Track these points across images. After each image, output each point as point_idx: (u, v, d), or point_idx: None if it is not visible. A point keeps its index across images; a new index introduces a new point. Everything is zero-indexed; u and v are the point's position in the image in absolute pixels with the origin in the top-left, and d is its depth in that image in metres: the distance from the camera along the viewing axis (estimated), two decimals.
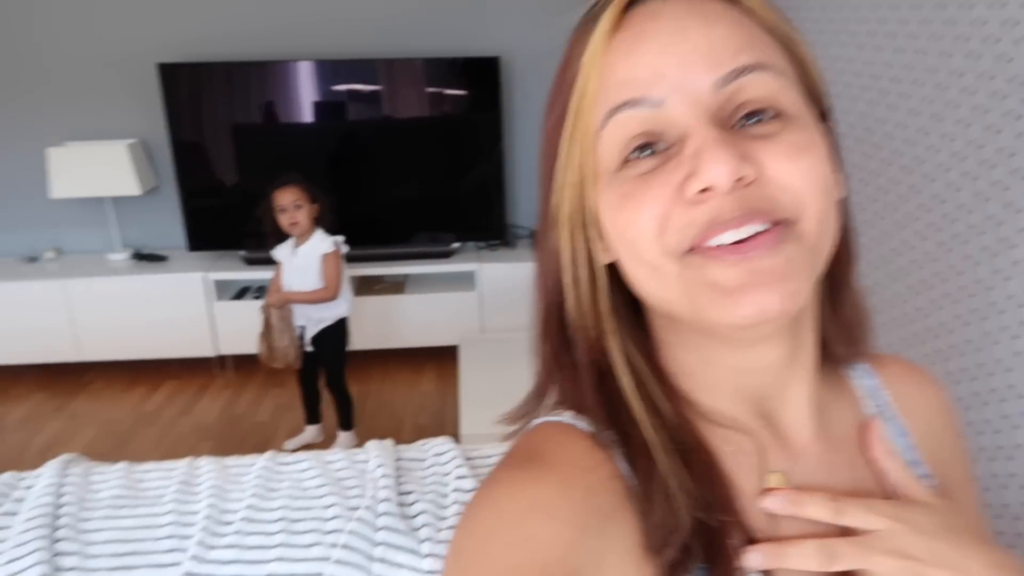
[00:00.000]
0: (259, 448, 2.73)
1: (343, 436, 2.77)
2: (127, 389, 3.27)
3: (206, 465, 1.10)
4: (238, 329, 3.26)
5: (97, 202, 3.50)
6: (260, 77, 3.30)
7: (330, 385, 2.73)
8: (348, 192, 3.41)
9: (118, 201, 3.50)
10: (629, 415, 0.51)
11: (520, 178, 3.65)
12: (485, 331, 3.41)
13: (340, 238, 2.64)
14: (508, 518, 0.46)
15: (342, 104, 3.37)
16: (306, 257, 2.57)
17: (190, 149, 3.36)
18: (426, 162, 3.46)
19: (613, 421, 0.51)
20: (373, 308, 3.37)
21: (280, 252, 2.60)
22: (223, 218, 3.41)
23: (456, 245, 3.56)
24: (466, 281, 3.45)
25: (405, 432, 2.87)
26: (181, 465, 1.10)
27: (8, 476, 1.07)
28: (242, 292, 3.43)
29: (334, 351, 2.72)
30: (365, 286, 3.49)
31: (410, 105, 3.39)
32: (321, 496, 1.02)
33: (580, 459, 0.50)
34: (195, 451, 2.71)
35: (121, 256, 3.46)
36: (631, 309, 0.55)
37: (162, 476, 1.08)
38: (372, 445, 1.12)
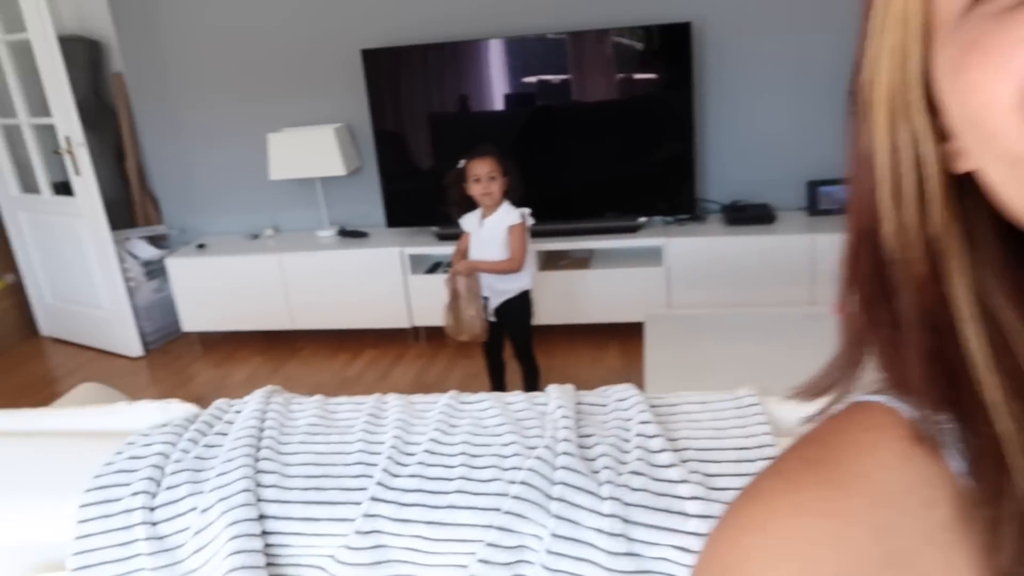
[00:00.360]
0: None
1: None
2: (332, 356, 3.52)
3: (393, 400, 1.13)
4: (431, 302, 3.39)
5: (308, 183, 3.79)
6: (453, 58, 3.41)
7: (519, 356, 2.76)
8: (535, 167, 3.43)
9: (326, 181, 3.77)
10: (977, 396, 0.35)
11: (712, 151, 3.49)
12: (672, 307, 3.30)
13: (527, 210, 2.65)
14: (774, 550, 0.36)
15: (532, 82, 3.39)
16: (493, 228, 2.60)
17: (389, 131, 3.54)
18: (614, 136, 3.40)
19: (951, 404, 0.36)
20: (558, 283, 3.37)
21: (467, 222, 2.65)
22: (419, 196, 3.56)
23: (643, 220, 3.47)
24: (653, 256, 3.36)
25: None
26: (370, 400, 1.13)
27: (221, 402, 1.16)
28: (435, 267, 3.57)
29: (519, 323, 2.75)
30: (550, 261, 3.50)
31: (600, 77, 3.34)
32: (501, 434, 1.01)
33: (889, 474, 0.36)
34: None
35: (328, 233, 3.72)
36: (993, 238, 0.36)
37: (352, 409, 1.12)
38: (553, 388, 1.10)
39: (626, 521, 0.86)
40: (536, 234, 3.38)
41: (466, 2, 3.46)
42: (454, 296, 2.62)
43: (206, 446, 1.05)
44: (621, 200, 3.47)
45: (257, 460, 1.01)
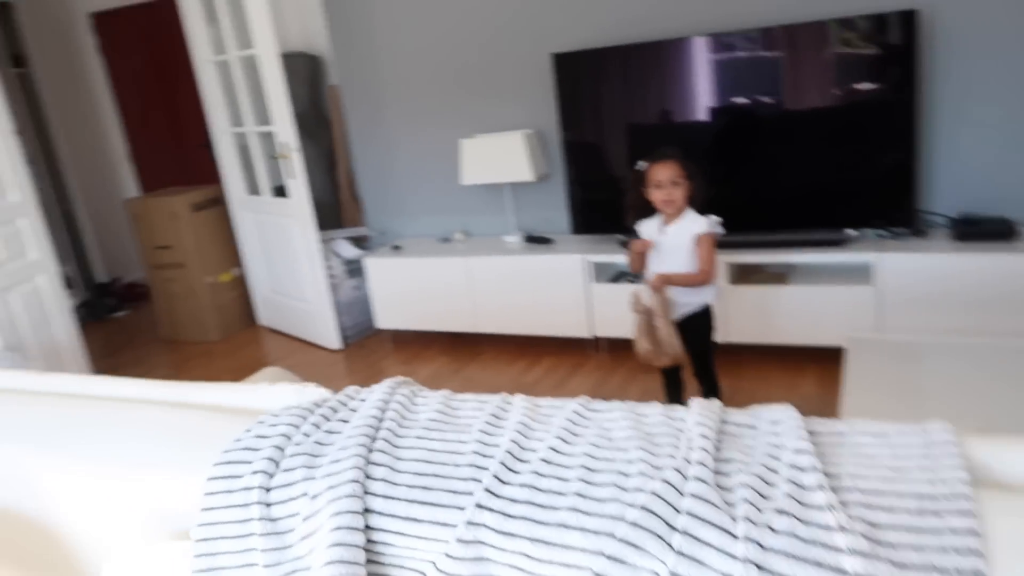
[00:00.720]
0: None
1: None
2: (512, 361, 3.51)
3: (518, 402, 1.04)
4: (613, 312, 3.28)
5: (498, 188, 3.84)
6: (648, 59, 3.28)
7: (699, 375, 2.57)
8: (732, 172, 3.21)
9: (515, 187, 3.79)
10: None
11: (941, 156, 3.06)
12: (882, 331, 2.92)
13: (716, 219, 2.47)
14: None
15: (733, 83, 3.17)
16: (677, 236, 2.44)
17: (577, 136, 3.48)
18: (825, 139, 3.09)
19: None
20: (752, 299, 3.11)
21: (646, 228, 2.51)
22: (605, 203, 3.46)
23: (852, 233, 3.12)
24: (860, 274, 3.00)
25: None
26: (495, 399, 1.06)
27: (350, 389, 1.14)
28: (618, 276, 3.45)
29: (701, 339, 2.55)
30: (743, 275, 3.25)
31: (810, 75, 3.06)
32: (627, 449, 0.89)
33: None
34: None
35: (514, 238, 3.74)
36: None
37: (476, 407, 1.05)
38: (696, 402, 0.95)
39: (762, 569, 0.71)
40: (730, 245, 3.17)
41: (660, 1, 3.32)
42: (647, 314, 2.39)
43: (327, 431, 1.03)
44: (828, 210, 3.14)
45: (371, 451, 0.97)
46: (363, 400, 1.09)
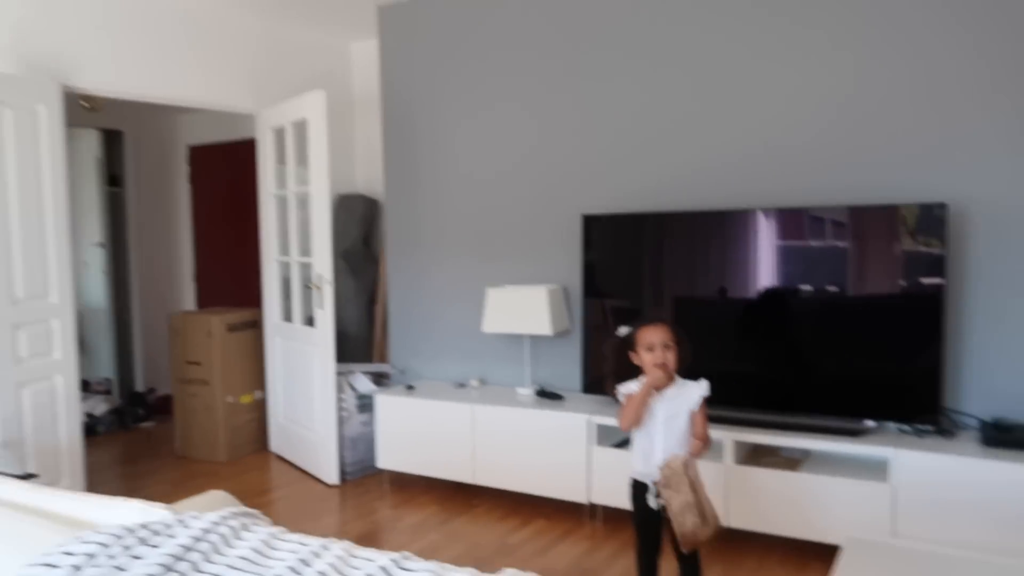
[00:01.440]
0: None
1: None
2: (503, 518, 3.35)
3: (335, 549, 0.97)
4: (612, 480, 3.12)
5: (518, 339, 3.83)
6: (676, 230, 3.30)
7: (681, 555, 2.35)
8: (752, 350, 3.11)
9: (535, 340, 3.78)
10: None
11: (975, 354, 2.89)
12: (894, 535, 2.66)
13: (706, 382, 2.37)
14: None
15: (763, 261, 3.14)
16: (675, 401, 2.34)
17: (597, 294, 3.48)
18: (852, 325, 2.96)
19: None
20: (759, 483, 2.91)
21: (632, 390, 2.41)
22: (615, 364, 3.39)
23: (871, 424, 2.93)
24: (877, 470, 2.78)
25: None
26: (316, 543, 0.99)
27: (186, 514, 1.09)
28: (624, 442, 3.30)
29: None
30: (754, 457, 3.06)
31: (839, 260, 2.99)
32: None
33: None
34: None
35: (527, 391, 3.67)
36: None
37: (292, 549, 0.98)
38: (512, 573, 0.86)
39: None
40: (742, 423, 3.01)
41: (690, 176, 3.39)
42: (692, 487, 2.19)
43: (132, 556, 0.97)
44: (853, 400, 2.96)
45: None
46: (186, 527, 1.04)
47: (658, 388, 2.35)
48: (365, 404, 3.99)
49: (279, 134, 4.23)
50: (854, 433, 2.88)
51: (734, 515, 2.95)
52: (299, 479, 3.97)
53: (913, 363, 2.82)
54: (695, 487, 2.20)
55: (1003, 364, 2.85)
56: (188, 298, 5.72)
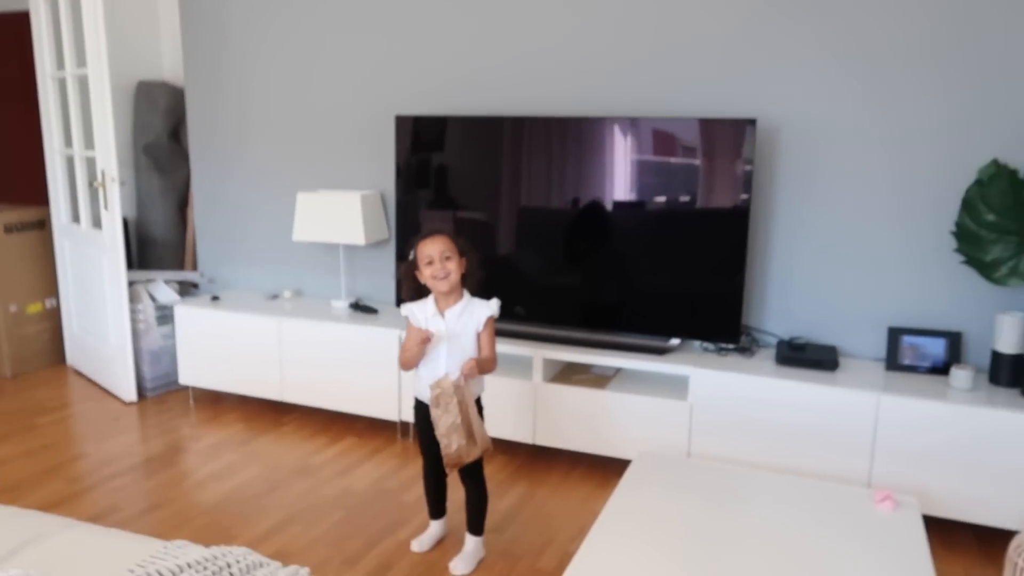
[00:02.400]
0: (384, 532, 2.39)
1: (471, 541, 2.29)
2: (311, 437, 3.19)
3: None
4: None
5: (334, 249, 3.58)
6: (494, 134, 3.10)
7: (468, 474, 2.28)
8: (559, 267, 3.02)
9: (349, 249, 3.54)
10: None
11: (777, 275, 2.92)
12: (692, 453, 2.71)
13: (496, 301, 2.24)
14: None
15: (571, 173, 3.00)
16: (459, 321, 2.20)
17: (410, 205, 3.26)
18: (658, 244, 2.91)
19: None
20: (566, 401, 2.88)
21: (418, 314, 2.25)
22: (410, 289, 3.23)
23: (676, 342, 2.93)
24: (679, 387, 2.81)
25: (548, 556, 2.30)
26: None
27: None
28: None
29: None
30: (565, 375, 3.03)
31: (649, 176, 2.90)
32: None
33: None
34: (325, 519, 2.46)
35: (342, 304, 3.46)
36: None
37: None
38: None
39: None
40: (552, 340, 2.95)
41: (521, 80, 3.18)
42: (461, 408, 2.07)
43: None
44: (661, 317, 2.94)
45: None
46: None
47: (443, 306, 2.20)
48: (166, 315, 3.65)
49: (54, 5, 3.64)
50: (661, 352, 2.88)
51: (540, 433, 2.92)
52: (96, 395, 3.62)
53: (718, 280, 2.82)
54: (464, 407, 2.09)
55: (803, 283, 2.90)
56: None
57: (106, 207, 3.40)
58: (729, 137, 2.73)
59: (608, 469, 2.89)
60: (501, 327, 2.88)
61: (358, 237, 3.31)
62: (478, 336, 2.22)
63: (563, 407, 2.88)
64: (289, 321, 3.28)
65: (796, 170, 2.84)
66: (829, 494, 2.14)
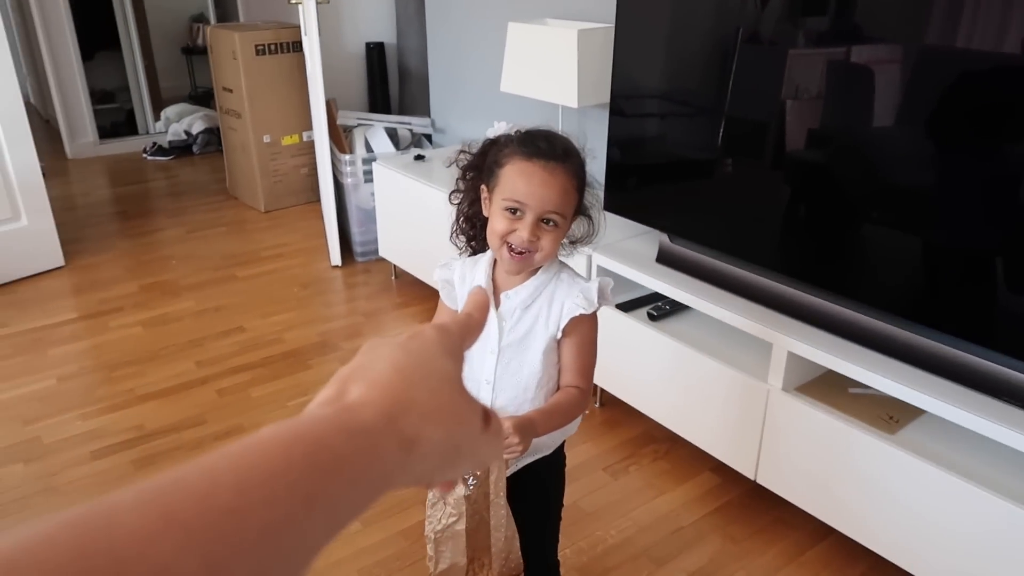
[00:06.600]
0: None
1: None
2: None
3: None
4: None
5: (551, 109, 2.54)
6: None
7: (531, 558, 1.28)
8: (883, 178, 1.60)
9: (568, 112, 2.47)
10: None
11: None
12: None
13: (609, 282, 1.13)
14: None
15: None
16: (529, 309, 1.14)
17: (634, 47, 2.03)
18: None
19: None
20: (822, 432, 1.61)
21: (456, 281, 1.22)
22: (644, 168, 2.05)
23: None
24: None
25: None
26: None
27: None
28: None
29: (547, 500, 1.30)
30: (823, 384, 1.71)
31: None
32: None
33: None
34: None
35: None
36: None
37: None
38: None
39: None
40: (805, 315, 1.64)
41: None
42: (480, 506, 1.14)
43: None
44: None
45: None
46: None
47: (500, 285, 1.16)
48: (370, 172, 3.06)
49: None
50: None
51: (766, 468, 1.72)
52: (319, 249, 3.24)
53: None
54: (484, 504, 1.07)
55: None
56: None
57: (305, 32, 2.81)
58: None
59: (868, 561, 1.62)
60: (722, 271, 1.67)
61: (570, 95, 2.23)
62: (557, 345, 1.14)
63: (812, 438, 1.62)
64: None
65: None
66: None
